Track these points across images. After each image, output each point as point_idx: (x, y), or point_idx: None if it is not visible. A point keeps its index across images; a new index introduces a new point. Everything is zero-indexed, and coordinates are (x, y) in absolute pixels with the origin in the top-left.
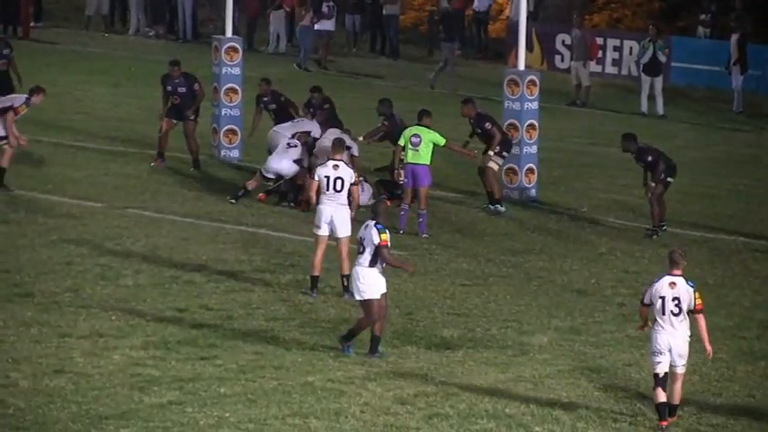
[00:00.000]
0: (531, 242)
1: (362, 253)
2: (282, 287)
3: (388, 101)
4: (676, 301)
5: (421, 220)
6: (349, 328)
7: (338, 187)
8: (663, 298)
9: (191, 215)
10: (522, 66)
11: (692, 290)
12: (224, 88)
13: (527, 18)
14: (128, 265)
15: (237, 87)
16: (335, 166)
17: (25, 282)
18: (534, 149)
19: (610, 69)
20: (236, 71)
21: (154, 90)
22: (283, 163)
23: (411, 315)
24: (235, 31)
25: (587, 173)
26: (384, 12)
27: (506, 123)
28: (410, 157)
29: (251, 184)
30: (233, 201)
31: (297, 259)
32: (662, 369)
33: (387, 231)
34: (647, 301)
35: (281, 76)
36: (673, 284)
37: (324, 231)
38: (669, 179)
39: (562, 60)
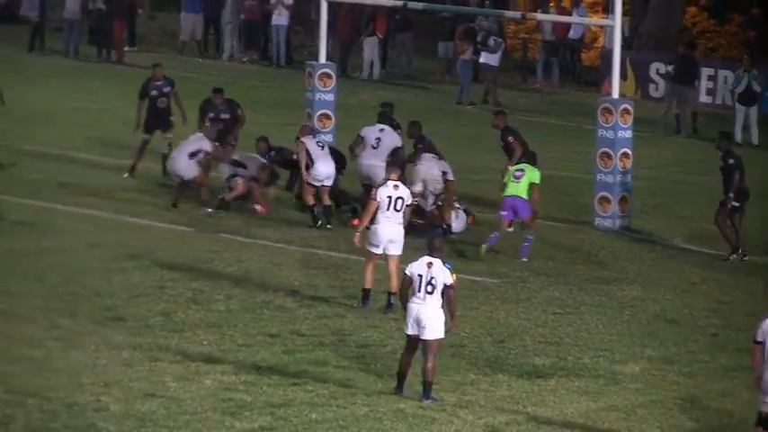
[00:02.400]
0: (624, 271)
1: (431, 294)
2: (374, 313)
3: (418, 123)
4: None
5: (526, 244)
6: (426, 381)
7: (398, 207)
8: None
9: (282, 240)
10: (615, 94)
11: None
12: (317, 114)
13: (621, 46)
14: (219, 289)
15: (331, 113)
16: (396, 186)
17: (117, 305)
18: (628, 178)
19: (704, 98)
20: (330, 97)
21: (248, 115)
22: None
23: (503, 343)
24: (328, 57)
25: (680, 202)
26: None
27: (599, 151)
28: (511, 189)
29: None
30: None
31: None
32: None
33: (455, 272)
34: (759, 338)
35: (374, 103)
36: None
37: (380, 251)
38: (735, 203)
39: (656, 89)
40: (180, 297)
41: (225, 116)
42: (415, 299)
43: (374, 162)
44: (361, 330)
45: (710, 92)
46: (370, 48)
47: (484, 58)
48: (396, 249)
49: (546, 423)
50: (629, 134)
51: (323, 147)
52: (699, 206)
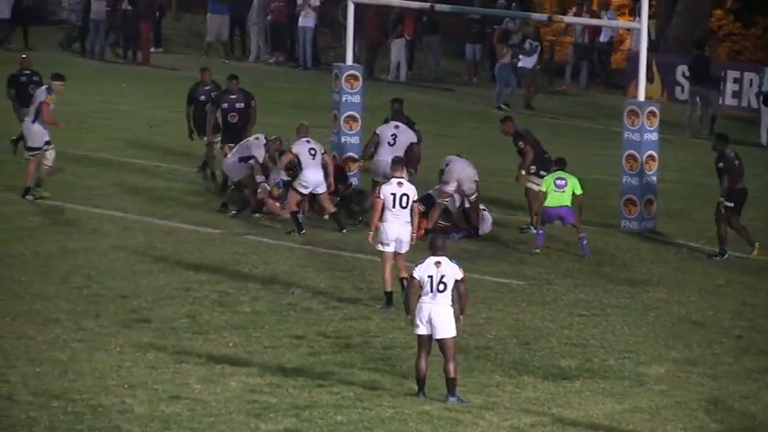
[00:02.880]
0: (649, 273)
1: (443, 291)
2: (400, 315)
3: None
4: None
5: (585, 242)
6: (449, 379)
7: (404, 204)
8: None
9: (308, 242)
10: (642, 96)
11: None
12: (344, 116)
13: (647, 49)
14: (245, 291)
15: (357, 115)
16: (400, 183)
17: (142, 307)
18: (654, 180)
19: (729, 101)
20: (357, 99)
21: (273, 117)
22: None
23: (528, 345)
24: (355, 59)
25: (705, 205)
26: None
27: (626, 154)
28: (555, 200)
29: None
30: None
31: None
32: None
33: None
34: None
35: None
36: None
37: (391, 248)
38: (728, 203)
39: (682, 92)
40: (205, 299)
41: (240, 105)
42: (425, 298)
43: (391, 159)
44: (387, 332)
45: (736, 94)
46: (397, 50)
47: (521, 62)
48: (406, 248)
49: (571, 425)
50: (655, 137)
51: (314, 155)
52: None
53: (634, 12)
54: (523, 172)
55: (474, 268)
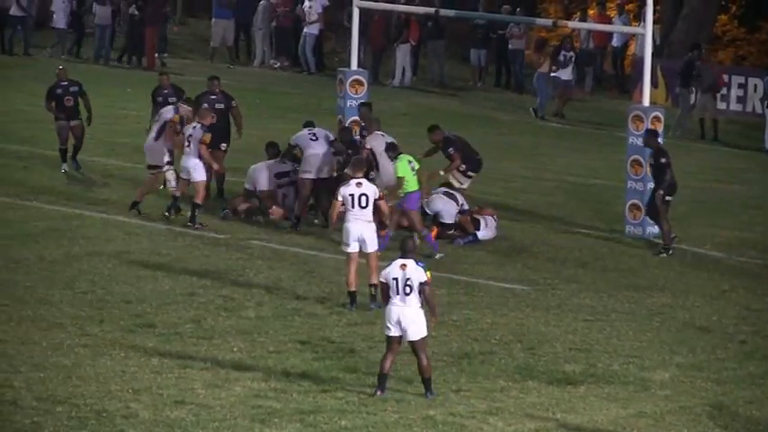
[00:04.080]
0: (654, 278)
1: (410, 294)
2: None
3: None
4: None
5: (428, 238)
6: (425, 379)
7: (363, 204)
8: None
9: (314, 247)
10: (646, 102)
11: None
12: (348, 121)
13: (652, 54)
14: (250, 296)
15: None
16: (358, 184)
17: (147, 312)
18: None
19: (734, 106)
20: None
21: (277, 122)
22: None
23: (533, 350)
24: (360, 64)
25: (709, 210)
26: (510, 46)
27: (630, 159)
28: (414, 185)
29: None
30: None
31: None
32: None
33: (429, 269)
34: None
35: (406, 110)
36: None
37: (354, 248)
38: (669, 197)
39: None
40: (210, 304)
41: (219, 106)
42: (394, 300)
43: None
44: None
45: (740, 100)
46: (402, 55)
47: (556, 72)
48: (371, 246)
49: (575, 430)
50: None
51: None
52: (728, 214)
53: (639, 17)
54: (442, 172)
55: (478, 273)
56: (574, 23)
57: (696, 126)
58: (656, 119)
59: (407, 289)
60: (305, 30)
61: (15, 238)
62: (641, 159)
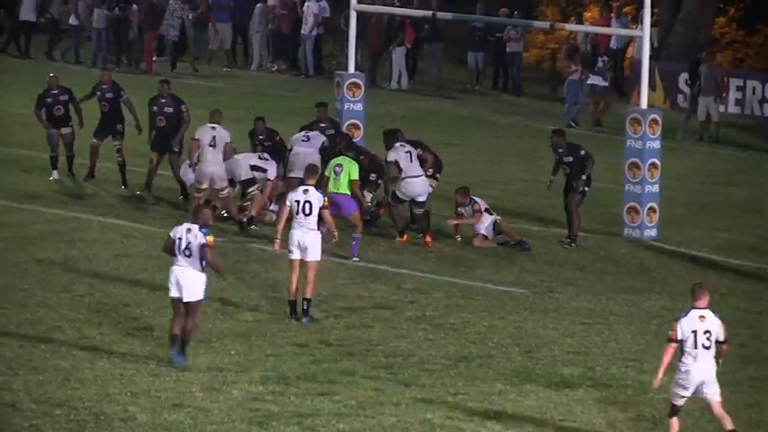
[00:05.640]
0: (652, 281)
1: (189, 257)
2: (402, 323)
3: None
4: None
5: (354, 243)
6: (180, 338)
7: (307, 211)
8: None
9: None
10: (644, 104)
11: None
12: (346, 124)
13: (650, 57)
14: (247, 299)
15: (360, 123)
16: (305, 191)
17: (145, 315)
18: (656, 188)
19: (732, 109)
20: (359, 107)
21: (275, 125)
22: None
23: (531, 353)
24: (357, 67)
25: (708, 212)
26: (507, 49)
27: (628, 162)
28: (331, 186)
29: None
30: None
31: (417, 296)
32: None
33: (212, 234)
34: None
35: (402, 113)
36: None
37: (296, 255)
38: (586, 188)
39: (685, 99)
40: (208, 307)
41: (168, 110)
42: (177, 261)
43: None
44: (389, 340)
45: (739, 102)
46: (398, 57)
47: (591, 79)
48: (311, 255)
49: None
50: (657, 144)
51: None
52: (726, 217)
53: (636, 19)
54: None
55: (476, 276)
56: (571, 26)
57: (697, 128)
58: (654, 121)
59: (187, 251)
60: (303, 32)
61: (13, 241)
62: (639, 162)
